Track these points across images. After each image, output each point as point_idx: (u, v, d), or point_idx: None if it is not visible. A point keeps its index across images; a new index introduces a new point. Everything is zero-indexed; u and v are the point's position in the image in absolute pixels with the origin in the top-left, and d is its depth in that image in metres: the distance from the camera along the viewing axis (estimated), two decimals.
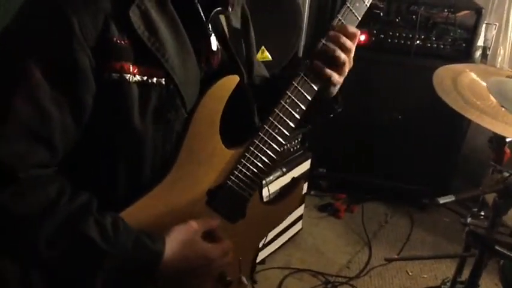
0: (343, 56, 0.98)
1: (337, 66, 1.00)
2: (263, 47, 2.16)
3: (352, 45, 0.99)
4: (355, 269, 2.34)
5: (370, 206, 2.87)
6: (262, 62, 1.94)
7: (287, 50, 2.36)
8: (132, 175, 0.91)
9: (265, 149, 1.01)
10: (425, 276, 2.30)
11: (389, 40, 2.76)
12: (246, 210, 1.03)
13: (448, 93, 1.64)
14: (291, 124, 1.01)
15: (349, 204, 2.85)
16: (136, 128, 0.87)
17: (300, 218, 2.53)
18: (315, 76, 1.01)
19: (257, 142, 1.00)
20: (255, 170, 1.00)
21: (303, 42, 2.70)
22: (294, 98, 1.00)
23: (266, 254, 2.29)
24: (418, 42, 2.74)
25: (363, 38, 2.73)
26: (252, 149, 0.99)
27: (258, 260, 2.22)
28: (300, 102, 1.01)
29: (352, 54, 1.01)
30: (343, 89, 1.10)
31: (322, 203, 2.85)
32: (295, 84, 1.00)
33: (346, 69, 1.02)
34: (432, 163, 2.72)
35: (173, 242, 0.88)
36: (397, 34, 2.75)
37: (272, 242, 2.30)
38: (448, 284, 1.71)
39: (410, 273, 2.32)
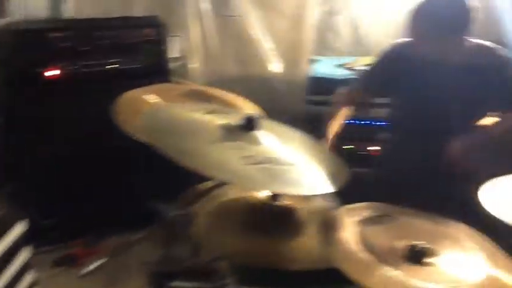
0: None
1: None
2: None
3: None
4: None
5: (113, 240, 2.75)
6: None
7: None
8: None
9: None
10: None
11: (86, 70, 2.67)
12: None
13: (126, 121, 1.64)
14: None
15: (88, 247, 2.68)
16: None
17: (33, 284, 2.27)
18: None
19: None
20: None
21: None
22: None
23: None
24: (112, 66, 2.73)
25: (56, 72, 2.59)
26: None
27: None
28: None
29: None
30: None
31: (58, 256, 2.62)
32: None
33: None
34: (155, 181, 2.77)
35: None
36: (92, 62, 2.69)
37: None
38: None
39: None
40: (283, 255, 1.45)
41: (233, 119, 1.42)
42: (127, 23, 2.85)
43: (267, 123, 1.53)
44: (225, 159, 1.22)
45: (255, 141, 1.36)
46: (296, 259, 1.45)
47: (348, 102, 2.14)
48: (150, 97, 1.83)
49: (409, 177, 1.91)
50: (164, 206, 1.30)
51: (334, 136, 2.04)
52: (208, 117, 1.42)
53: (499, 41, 1.99)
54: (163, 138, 1.23)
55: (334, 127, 2.06)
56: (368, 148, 2.54)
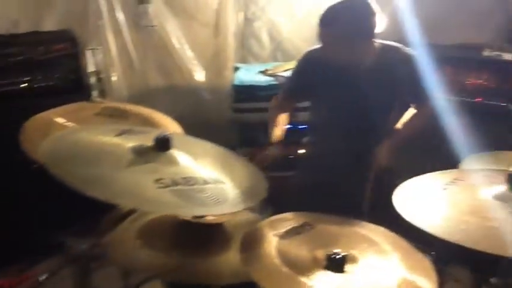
0: None
1: None
2: None
3: None
4: None
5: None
6: None
7: None
8: None
9: None
10: None
11: None
12: None
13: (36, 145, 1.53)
14: None
15: (18, 275, 2.50)
16: None
17: None
18: None
19: None
20: None
21: None
22: None
23: None
24: (25, 84, 2.59)
25: None
26: None
27: None
28: None
29: None
30: None
31: None
32: None
33: None
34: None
35: None
36: (3, 81, 2.53)
37: None
38: None
39: None
40: (211, 271, 1.43)
41: (147, 139, 1.37)
42: (38, 38, 2.71)
43: (182, 140, 1.50)
44: (134, 184, 1.17)
45: (169, 162, 1.32)
46: (223, 274, 1.43)
47: (282, 108, 2.16)
48: (60, 119, 1.74)
49: (330, 179, 1.95)
50: (76, 238, 1.23)
51: (278, 143, 2.05)
52: (118, 140, 1.36)
53: (402, 40, 2.09)
54: (65, 166, 1.16)
55: (277, 134, 2.07)
56: (298, 151, 2.56)
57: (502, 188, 1.25)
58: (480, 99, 2.64)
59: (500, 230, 1.05)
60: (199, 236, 1.53)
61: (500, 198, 1.22)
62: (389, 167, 1.91)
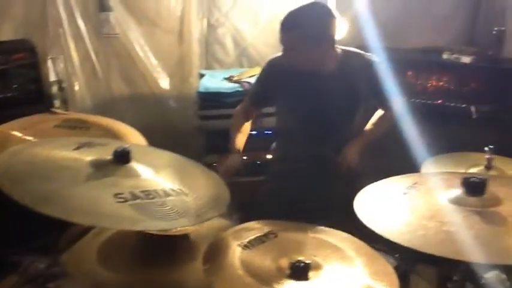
0: None
1: None
2: None
3: None
4: None
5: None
6: None
7: None
8: None
9: None
10: None
11: None
12: None
13: None
14: None
15: None
16: None
17: None
18: None
19: None
20: None
21: None
22: None
23: None
24: None
25: None
26: None
27: None
28: None
29: None
30: None
31: None
32: None
33: None
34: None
35: None
36: None
37: None
38: None
39: None
40: (176, 284, 1.41)
41: (106, 152, 1.34)
42: None
43: (142, 151, 1.47)
44: (92, 200, 1.14)
45: (129, 175, 1.29)
46: (189, 286, 1.41)
47: (246, 116, 2.17)
48: (18, 133, 1.69)
49: (297, 183, 1.96)
50: (33, 257, 1.19)
51: (239, 151, 2.06)
52: (76, 154, 1.33)
53: (363, 45, 2.12)
54: (19, 183, 1.12)
55: (238, 142, 2.07)
56: (266, 157, 2.56)
57: (458, 191, 1.28)
58: (441, 102, 2.70)
59: (456, 235, 1.07)
60: (164, 248, 1.50)
61: (455, 202, 1.25)
62: (358, 170, 1.93)
